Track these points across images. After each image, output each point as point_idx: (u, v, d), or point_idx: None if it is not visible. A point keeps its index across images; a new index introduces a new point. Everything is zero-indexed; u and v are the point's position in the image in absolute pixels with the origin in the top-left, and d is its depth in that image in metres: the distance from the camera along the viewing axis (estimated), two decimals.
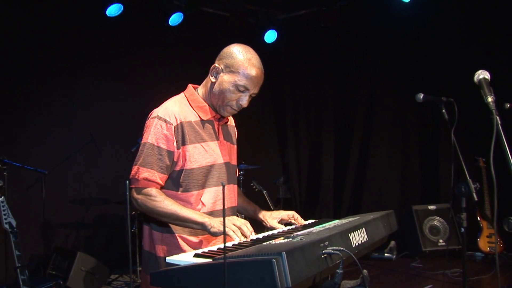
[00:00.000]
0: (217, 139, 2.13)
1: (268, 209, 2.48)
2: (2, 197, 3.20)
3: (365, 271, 1.57)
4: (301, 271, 1.30)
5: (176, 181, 2.04)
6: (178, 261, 1.58)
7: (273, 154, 7.68)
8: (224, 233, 1.24)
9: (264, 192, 5.59)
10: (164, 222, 2.03)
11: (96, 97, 5.66)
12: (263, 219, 2.30)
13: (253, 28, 6.67)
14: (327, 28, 6.52)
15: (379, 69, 6.75)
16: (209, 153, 2.06)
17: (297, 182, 7.45)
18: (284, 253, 1.24)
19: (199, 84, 2.20)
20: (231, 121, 2.34)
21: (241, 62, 2.00)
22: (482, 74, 1.95)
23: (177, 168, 2.03)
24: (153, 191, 1.98)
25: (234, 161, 2.27)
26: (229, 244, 1.78)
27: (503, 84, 3.56)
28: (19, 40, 5.06)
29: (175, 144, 2.00)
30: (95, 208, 5.56)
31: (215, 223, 1.86)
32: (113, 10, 5.49)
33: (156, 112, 2.05)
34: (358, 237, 1.77)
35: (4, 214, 3.14)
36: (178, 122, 2.01)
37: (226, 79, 2.02)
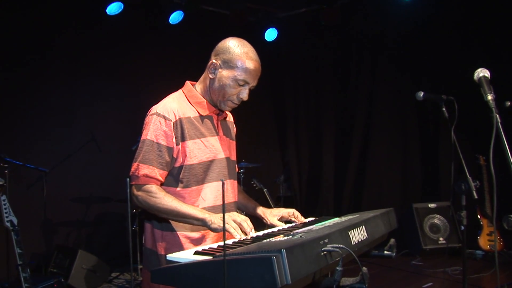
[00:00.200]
0: (217, 134, 2.14)
1: (269, 207, 2.48)
2: (4, 195, 3.21)
3: (364, 268, 1.57)
4: (301, 268, 1.31)
5: (176, 177, 2.04)
6: (178, 258, 1.59)
7: (274, 152, 7.68)
8: (224, 230, 1.24)
9: (265, 190, 5.60)
10: (165, 220, 2.04)
11: (97, 96, 5.67)
12: (263, 216, 2.31)
13: (253, 26, 6.67)
14: (327, 26, 6.52)
15: (380, 67, 6.75)
16: (209, 148, 2.07)
17: (297, 180, 7.46)
18: (284, 251, 1.24)
19: (197, 81, 2.20)
20: (230, 117, 2.34)
21: (238, 56, 2.01)
22: (482, 72, 1.96)
23: (177, 164, 2.03)
24: (153, 187, 1.98)
25: (233, 157, 2.28)
26: (229, 241, 1.78)
27: (503, 82, 3.57)
28: (19, 39, 5.07)
29: (174, 140, 2.00)
30: (96, 206, 5.58)
31: (215, 219, 1.87)
32: (113, 8, 5.49)
33: (155, 108, 2.05)
34: (357, 235, 1.77)
35: (6, 212, 3.15)
36: (177, 118, 2.02)
37: (225, 74, 2.03)
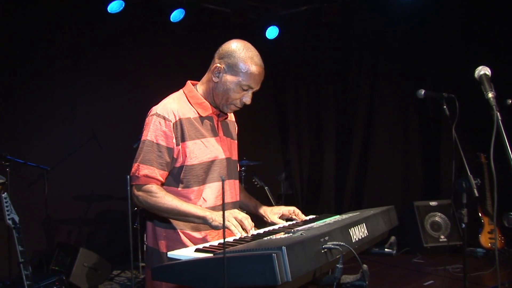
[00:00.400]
0: (217, 135, 2.14)
1: (270, 205, 2.48)
2: (5, 193, 3.22)
3: (365, 265, 1.58)
4: (301, 266, 1.31)
5: (177, 177, 2.05)
6: (179, 256, 1.59)
7: (275, 150, 7.69)
8: (223, 227, 1.25)
9: (266, 188, 5.60)
10: (166, 218, 2.04)
11: (98, 94, 5.67)
12: (264, 214, 2.32)
13: (254, 24, 6.66)
14: (328, 24, 6.51)
15: (381, 65, 6.74)
16: (209, 149, 2.07)
17: (298, 178, 7.46)
18: (284, 248, 1.25)
19: (198, 80, 2.20)
20: (231, 117, 2.34)
21: (243, 61, 2.00)
22: (483, 70, 1.96)
23: (178, 165, 2.04)
24: (154, 187, 1.99)
25: (235, 156, 2.28)
26: (230, 239, 1.79)
27: (504, 80, 3.56)
28: (20, 37, 5.07)
29: (174, 141, 2.01)
30: (97, 204, 5.58)
31: (216, 217, 1.88)
32: (115, 6, 5.49)
33: (155, 109, 2.06)
34: (358, 232, 1.78)
35: (7, 210, 3.16)
36: (177, 118, 2.02)
37: (229, 79, 2.03)
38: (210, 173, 2.08)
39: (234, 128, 2.36)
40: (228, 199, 2.17)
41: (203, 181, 2.07)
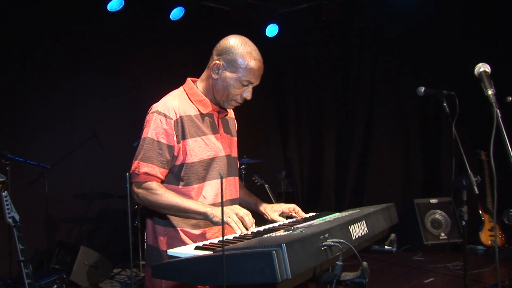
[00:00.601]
0: (217, 132, 2.14)
1: (270, 203, 2.48)
2: (6, 191, 3.22)
3: (364, 263, 1.58)
4: (301, 263, 1.32)
5: (177, 175, 2.05)
6: (179, 253, 1.59)
7: (275, 148, 7.69)
8: (222, 224, 1.25)
9: (266, 186, 5.60)
10: (166, 216, 2.04)
11: (98, 92, 5.67)
12: (264, 211, 2.32)
13: (254, 22, 6.66)
14: (328, 22, 6.51)
15: (381, 63, 6.74)
16: (210, 146, 2.07)
17: (299, 176, 7.46)
18: (284, 245, 1.25)
19: (198, 77, 2.20)
20: (231, 113, 2.34)
21: (242, 57, 2.00)
22: (483, 67, 1.95)
23: (178, 163, 2.04)
24: (154, 184, 1.99)
25: (234, 154, 2.28)
26: (229, 236, 1.79)
27: (504, 76, 3.56)
28: (20, 36, 5.06)
29: (175, 138, 2.01)
30: (97, 202, 5.58)
31: (217, 213, 1.88)
32: (114, 5, 5.49)
33: (156, 107, 2.05)
34: (358, 230, 1.78)
35: (8, 209, 3.16)
36: (178, 116, 2.02)
37: (229, 75, 2.02)
38: (210, 170, 2.08)
39: (234, 125, 2.35)
40: (228, 196, 2.17)
41: (203, 179, 2.07)
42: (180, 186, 2.05)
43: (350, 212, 2.20)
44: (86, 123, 5.56)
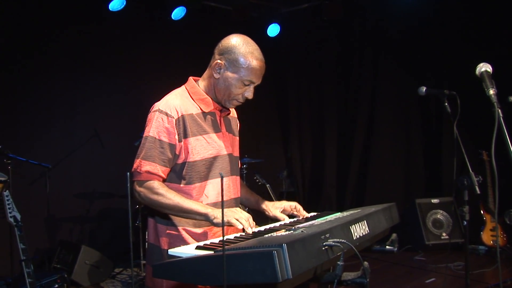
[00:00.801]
0: (220, 130, 2.14)
1: None
2: (7, 191, 3.22)
3: (366, 263, 1.58)
4: (302, 263, 1.31)
5: (179, 173, 2.05)
6: (180, 253, 1.59)
7: (276, 148, 7.68)
8: (222, 223, 1.25)
9: (267, 185, 5.59)
10: (168, 215, 2.04)
11: (99, 91, 5.67)
12: (265, 208, 2.32)
13: (255, 22, 6.66)
14: (330, 21, 6.50)
15: (382, 62, 6.74)
16: (212, 145, 2.07)
17: (300, 176, 7.46)
18: (285, 245, 1.24)
19: (200, 77, 2.20)
20: (233, 113, 2.34)
21: (244, 57, 2.00)
22: (484, 67, 1.95)
23: (180, 161, 2.04)
24: (155, 183, 1.99)
25: (236, 153, 2.28)
26: (230, 236, 1.79)
27: (505, 76, 3.55)
28: (22, 35, 5.07)
29: (176, 137, 2.01)
30: (99, 202, 5.59)
31: (218, 214, 1.88)
32: (116, 4, 5.49)
33: (158, 105, 2.05)
34: (359, 230, 1.78)
35: (9, 208, 3.17)
36: (180, 115, 2.02)
37: (230, 75, 2.02)
38: (212, 169, 2.08)
39: (236, 125, 2.35)
40: (230, 195, 2.17)
41: (205, 178, 2.07)
42: (182, 185, 2.05)
43: (351, 212, 2.20)
44: (87, 123, 5.57)
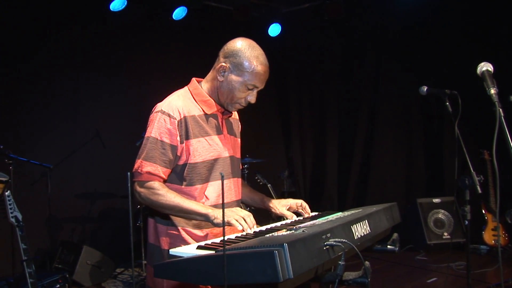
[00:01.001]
0: (221, 133, 2.14)
1: None
2: (8, 191, 3.22)
3: (367, 262, 1.58)
4: (303, 263, 1.31)
5: (180, 175, 2.05)
6: (181, 253, 1.59)
7: (278, 148, 7.68)
8: (223, 223, 1.25)
9: (269, 185, 5.59)
10: (168, 216, 2.04)
11: (101, 92, 5.67)
12: (272, 206, 2.33)
13: (256, 21, 6.66)
14: (331, 21, 6.50)
15: (383, 62, 6.73)
16: (213, 147, 2.07)
17: (301, 176, 7.46)
18: (286, 245, 1.24)
19: (203, 78, 2.20)
20: (235, 115, 2.35)
21: (248, 61, 2.00)
22: (485, 66, 1.95)
23: (181, 162, 2.04)
24: (156, 184, 1.99)
25: (238, 155, 2.28)
26: (232, 236, 1.79)
27: (507, 76, 3.55)
28: (23, 35, 5.07)
29: (178, 138, 2.01)
30: (100, 202, 5.59)
31: (218, 214, 1.88)
32: (117, 4, 5.49)
33: (160, 106, 2.05)
34: (360, 229, 1.77)
35: (10, 208, 3.17)
36: (182, 116, 2.01)
37: (234, 78, 2.02)
38: (214, 171, 2.08)
39: (237, 126, 2.36)
40: (231, 198, 2.17)
41: (207, 179, 2.07)
42: (183, 186, 2.05)
43: (352, 211, 2.20)
44: (88, 123, 5.57)
